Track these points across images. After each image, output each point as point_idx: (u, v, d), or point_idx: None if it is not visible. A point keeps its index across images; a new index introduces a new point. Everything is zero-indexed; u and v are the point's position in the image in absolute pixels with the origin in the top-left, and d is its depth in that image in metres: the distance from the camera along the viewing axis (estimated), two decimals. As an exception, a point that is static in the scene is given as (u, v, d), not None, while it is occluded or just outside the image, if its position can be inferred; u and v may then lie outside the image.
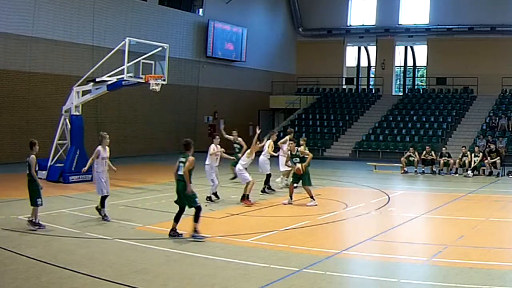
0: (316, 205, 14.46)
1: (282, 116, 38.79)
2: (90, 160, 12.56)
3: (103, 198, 12.25)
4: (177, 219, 10.62)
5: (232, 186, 17.78)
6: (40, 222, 11.00)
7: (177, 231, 10.59)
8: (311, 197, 14.67)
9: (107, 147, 12.40)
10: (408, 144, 28.00)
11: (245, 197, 14.73)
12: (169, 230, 10.60)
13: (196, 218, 10.43)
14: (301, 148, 15.71)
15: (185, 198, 10.52)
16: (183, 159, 10.55)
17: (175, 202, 10.73)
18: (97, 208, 12.29)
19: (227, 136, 18.80)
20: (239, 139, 18.06)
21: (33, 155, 11.06)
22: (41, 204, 11.10)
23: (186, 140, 10.81)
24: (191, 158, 10.52)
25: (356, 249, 10.00)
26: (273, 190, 17.10)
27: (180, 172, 10.51)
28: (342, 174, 23.69)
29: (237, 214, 13.19)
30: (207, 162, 15.22)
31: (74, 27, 25.97)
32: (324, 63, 39.69)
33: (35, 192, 10.99)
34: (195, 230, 10.39)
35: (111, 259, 9.04)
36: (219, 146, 15.32)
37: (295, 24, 41.23)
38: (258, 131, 16.25)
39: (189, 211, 10.62)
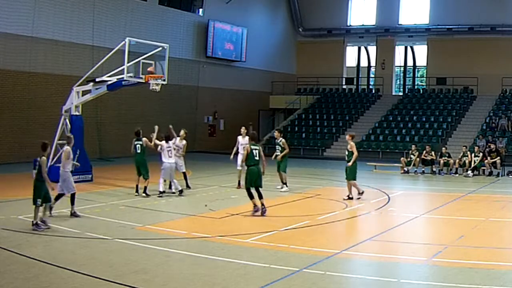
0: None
1: (282, 116, 38.77)
2: None
3: None
4: (259, 196, 12.92)
5: (232, 186, 17.79)
6: (38, 223, 10.97)
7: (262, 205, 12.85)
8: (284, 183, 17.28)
9: None
10: (408, 144, 27.99)
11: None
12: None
13: (261, 195, 12.95)
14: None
15: (260, 179, 13.04)
16: (256, 147, 13.21)
17: (251, 185, 12.95)
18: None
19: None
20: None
21: (44, 157, 11.06)
22: (40, 205, 11.07)
23: (253, 132, 14.51)
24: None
25: (356, 249, 9.99)
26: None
27: (257, 158, 13.05)
28: (342, 174, 23.62)
29: (237, 214, 13.19)
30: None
31: (74, 27, 25.97)
32: (324, 63, 39.69)
33: (37, 190, 11.02)
34: (263, 204, 12.84)
35: (111, 259, 9.03)
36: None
37: (295, 24, 41.22)
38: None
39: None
